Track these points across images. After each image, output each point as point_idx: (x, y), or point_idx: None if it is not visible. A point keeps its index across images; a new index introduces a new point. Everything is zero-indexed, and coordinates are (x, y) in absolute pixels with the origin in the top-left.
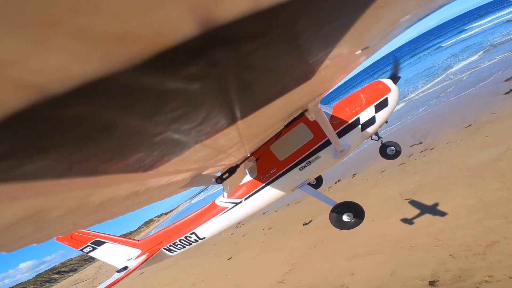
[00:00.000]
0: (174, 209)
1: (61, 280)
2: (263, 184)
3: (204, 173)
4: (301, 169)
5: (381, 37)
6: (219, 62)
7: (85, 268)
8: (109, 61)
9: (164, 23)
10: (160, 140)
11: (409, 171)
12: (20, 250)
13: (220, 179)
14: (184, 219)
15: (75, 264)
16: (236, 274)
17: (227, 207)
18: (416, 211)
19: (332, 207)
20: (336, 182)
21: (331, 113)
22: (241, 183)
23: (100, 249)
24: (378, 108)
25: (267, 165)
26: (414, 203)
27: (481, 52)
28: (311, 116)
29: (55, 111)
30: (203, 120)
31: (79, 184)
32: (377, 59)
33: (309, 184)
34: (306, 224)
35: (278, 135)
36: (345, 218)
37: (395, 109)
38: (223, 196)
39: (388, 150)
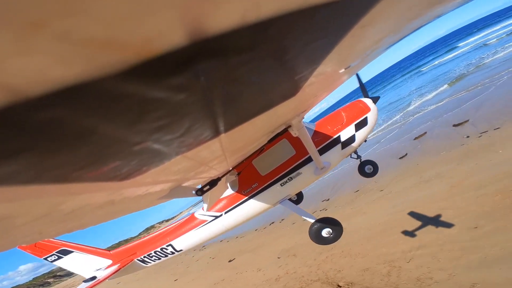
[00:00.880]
0: (175, 216)
1: (55, 284)
2: (244, 198)
3: (184, 184)
4: (282, 184)
5: (363, 56)
6: (205, 73)
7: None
8: (92, 66)
9: (152, 32)
10: (139, 150)
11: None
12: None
13: (200, 192)
14: (160, 231)
15: None
16: None
17: (207, 220)
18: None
19: (312, 222)
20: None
21: (313, 129)
22: (221, 197)
23: (66, 258)
24: (358, 127)
25: (248, 179)
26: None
27: (422, 98)
28: (294, 132)
29: (29, 114)
30: (186, 131)
31: (49, 191)
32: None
33: (289, 199)
34: (230, 261)
35: (261, 150)
36: (324, 233)
37: None
38: (203, 209)
39: (366, 169)
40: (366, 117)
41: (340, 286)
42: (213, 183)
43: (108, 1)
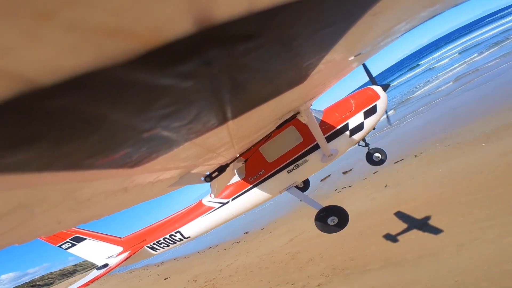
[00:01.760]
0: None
1: None
2: (251, 185)
3: (193, 171)
4: (289, 171)
5: (374, 43)
6: (212, 61)
7: (60, 282)
8: (101, 55)
9: (159, 20)
10: (149, 136)
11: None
12: (2, 260)
13: (209, 178)
14: (169, 218)
15: (52, 278)
16: None
17: (214, 207)
18: None
19: (317, 210)
20: None
21: (321, 117)
22: (229, 183)
23: (79, 245)
24: (367, 114)
25: (255, 166)
26: None
27: None
28: (302, 119)
29: (42, 102)
30: (194, 118)
31: (63, 177)
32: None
33: (296, 187)
34: (166, 279)
35: (268, 137)
36: (330, 221)
37: None
38: (210, 196)
39: (374, 157)
40: (376, 105)
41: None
42: (221, 169)
43: None
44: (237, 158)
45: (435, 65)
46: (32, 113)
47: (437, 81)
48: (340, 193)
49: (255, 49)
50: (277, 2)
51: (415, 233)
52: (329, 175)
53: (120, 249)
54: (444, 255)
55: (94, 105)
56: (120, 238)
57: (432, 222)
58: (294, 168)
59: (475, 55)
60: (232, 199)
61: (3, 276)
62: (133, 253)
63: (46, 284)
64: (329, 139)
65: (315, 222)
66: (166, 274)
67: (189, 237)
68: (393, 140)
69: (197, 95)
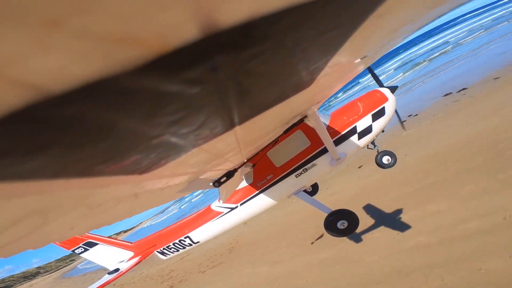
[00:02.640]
0: (134, 227)
1: None
2: (259, 190)
3: (201, 177)
4: (297, 176)
5: (380, 45)
6: (219, 67)
7: (21, 285)
8: (110, 62)
9: (166, 26)
10: (157, 143)
11: None
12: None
13: (217, 183)
14: (178, 223)
15: (14, 280)
16: None
17: (222, 212)
18: None
19: (327, 214)
20: None
21: (328, 121)
22: (237, 189)
23: (92, 250)
24: (375, 117)
25: (263, 171)
26: None
27: None
28: (309, 123)
29: (53, 110)
30: (202, 124)
31: (75, 184)
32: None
33: (304, 191)
34: None
35: (275, 142)
36: (340, 225)
37: None
38: (219, 201)
39: (384, 159)
40: (384, 107)
41: None
42: (230, 174)
43: None
44: (245, 163)
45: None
46: (43, 121)
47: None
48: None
49: (261, 54)
50: (281, 6)
51: None
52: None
53: (131, 254)
54: None
55: (104, 112)
56: (131, 243)
57: None
58: (302, 172)
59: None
60: (241, 204)
61: None
62: (144, 258)
63: (6, 287)
64: (337, 142)
65: (324, 226)
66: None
67: (198, 242)
68: None
69: (204, 101)
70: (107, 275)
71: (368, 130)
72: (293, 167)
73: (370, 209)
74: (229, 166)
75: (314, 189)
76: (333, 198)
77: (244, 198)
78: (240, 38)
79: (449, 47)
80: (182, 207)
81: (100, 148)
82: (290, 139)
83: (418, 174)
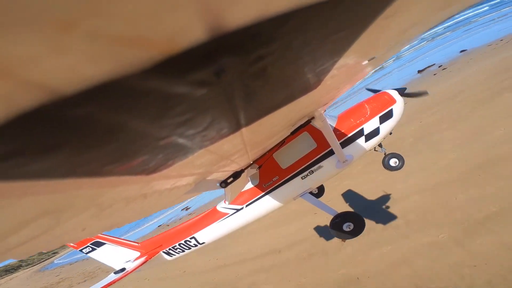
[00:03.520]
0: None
1: None
2: (265, 192)
3: (208, 178)
4: (303, 178)
5: (387, 47)
6: (226, 68)
7: (2, 278)
8: (120, 64)
9: (175, 28)
10: (165, 144)
11: None
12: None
13: (224, 184)
14: (184, 224)
15: None
16: None
17: (228, 213)
18: None
19: (332, 216)
20: None
21: (335, 123)
22: (243, 190)
23: (99, 250)
24: (383, 119)
25: (269, 172)
26: None
27: None
28: (316, 125)
29: (64, 111)
30: (208, 125)
31: (86, 184)
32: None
33: (310, 193)
34: None
35: (281, 143)
36: (345, 227)
37: None
38: (225, 202)
39: (391, 162)
40: (392, 109)
41: None
42: (236, 175)
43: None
44: (251, 164)
45: None
46: (56, 122)
47: None
48: None
49: (268, 55)
50: (289, 7)
51: None
52: None
53: (137, 254)
54: None
55: (114, 114)
56: (137, 243)
57: None
58: (309, 174)
59: None
60: (246, 205)
61: None
62: (150, 258)
63: None
64: (344, 144)
65: (330, 228)
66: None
67: (203, 242)
68: None
69: (211, 103)
70: (113, 274)
71: (375, 132)
72: (299, 169)
73: None
74: (235, 167)
75: (320, 191)
76: None
77: (250, 200)
78: (247, 40)
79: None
80: None
81: (109, 149)
82: (296, 141)
83: None
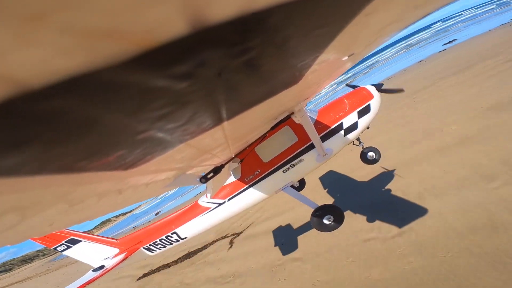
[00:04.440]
0: (133, 210)
1: None
2: (247, 185)
3: (188, 172)
4: (284, 171)
5: (367, 43)
6: (207, 62)
7: (19, 268)
8: (94, 57)
9: (153, 21)
10: (143, 138)
11: None
12: None
13: (204, 179)
14: (165, 219)
15: (13, 264)
16: None
17: (210, 207)
18: None
19: (313, 209)
20: None
21: (315, 117)
22: (225, 184)
23: (75, 247)
24: (361, 114)
25: (251, 166)
26: None
27: None
28: (297, 120)
29: (33, 105)
30: (189, 119)
31: (56, 181)
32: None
33: (292, 186)
34: None
35: (263, 137)
36: (325, 220)
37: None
38: (206, 197)
39: (368, 156)
40: (369, 104)
41: None
42: (216, 170)
43: None
44: (232, 158)
45: None
46: (23, 116)
47: None
48: None
49: (250, 50)
50: (270, 3)
51: None
52: None
53: (116, 250)
54: None
55: (87, 107)
56: (116, 239)
57: None
58: (290, 167)
59: None
60: (228, 199)
61: None
62: (129, 255)
63: (5, 270)
64: (324, 138)
65: (311, 221)
66: None
67: (185, 237)
68: None
69: (191, 96)
70: (91, 272)
71: (354, 126)
72: (280, 163)
73: None
74: (216, 161)
75: (301, 184)
76: None
77: (232, 194)
78: (229, 34)
79: None
80: None
81: (83, 144)
82: (277, 134)
83: None
